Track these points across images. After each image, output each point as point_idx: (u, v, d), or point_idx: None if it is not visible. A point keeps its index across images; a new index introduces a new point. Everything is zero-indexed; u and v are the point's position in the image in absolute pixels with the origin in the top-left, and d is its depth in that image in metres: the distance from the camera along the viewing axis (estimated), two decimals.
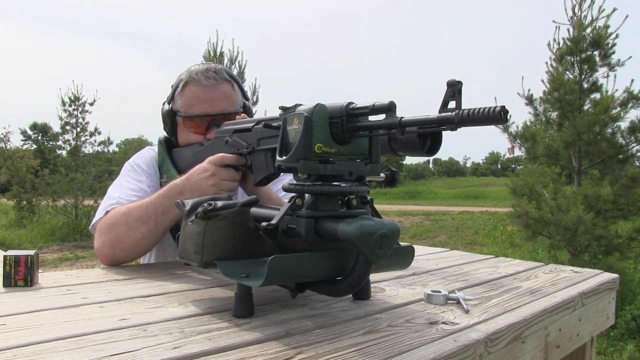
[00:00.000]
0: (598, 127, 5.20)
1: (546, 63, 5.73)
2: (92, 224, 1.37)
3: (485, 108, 0.67)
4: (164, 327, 0.77)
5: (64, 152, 12.12)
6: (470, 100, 0.70)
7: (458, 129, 0.71)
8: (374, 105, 0.79)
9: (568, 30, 5.61)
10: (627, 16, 5.36)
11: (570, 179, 5.97)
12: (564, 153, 5.53)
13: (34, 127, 43.23)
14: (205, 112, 1.42)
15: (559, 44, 5.66)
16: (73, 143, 11.66)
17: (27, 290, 0.99)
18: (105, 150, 12.84)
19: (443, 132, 0.89)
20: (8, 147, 14.81)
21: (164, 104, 1.51)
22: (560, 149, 5.45)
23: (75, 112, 11.59)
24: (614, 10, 5.39)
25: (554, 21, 5.64)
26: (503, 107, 0.65)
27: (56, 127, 12.10)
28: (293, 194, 0.86)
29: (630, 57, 5.47)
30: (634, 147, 5.33)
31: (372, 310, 0.91)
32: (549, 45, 5.74)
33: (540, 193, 5.57)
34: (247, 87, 7.72)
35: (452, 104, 0.70)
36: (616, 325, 4.38)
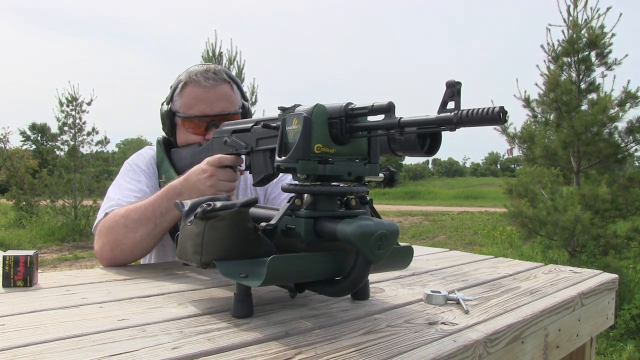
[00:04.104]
0: (596, 128, 5.21)
1: (537, 66, 5.74)
2: (93, 225, 1.37)
3: (484, 108, 0.67)
4: (163, 327, 0.77)
5: (62, 153, 12.11)
6: (465, 103, 0.70)
7: (457, 130, 0.71)
8: (373, 105, 0.79)
9: (563, 31, 5.63)
10: (620, 14, 5.37)
11: (567, 180, 5.98)
12: (562, 153, 5.54)
13: (33, 127, 43.20)
14: (205, 112, 1.42)
15: (553, 45, 5.67)
16: (71, 143, 11.65)
17: (26, 290, 0.99)
18: (104, 150, 12.84)
19: (442, 133, 0.89)
20: (7, 147, 14.80)
21: (162, 104, 1.50)
22: (559, 149, 5.45)
23: (72, 113, 11.57)
24: (608, 9, 5.40)
25: (550, 24, 5.65)
26: (502, 108, 0.66)
27: (54, 128, 12.10)
28: (292, 194, 0.86)
29: (627, 55, 5.48)
30: (632, 147, 5.34)
31: (372, 310, 0.91)
32: (542, 47, 5.75)
33: (536, 192, 5.58)
34: (246, 87, 7.73)
35: (451, 105, 0.70)
36: (615, 325, 4.38)
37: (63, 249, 9.45)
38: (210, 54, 7.79)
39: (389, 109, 0.78)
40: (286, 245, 0.86)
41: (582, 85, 5.54)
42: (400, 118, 0.76)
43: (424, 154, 0.93)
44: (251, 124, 1.15)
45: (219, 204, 0.82)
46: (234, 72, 7.07)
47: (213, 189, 1.19)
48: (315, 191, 0.83)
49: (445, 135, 0.84)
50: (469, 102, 0.70)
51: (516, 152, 6.08)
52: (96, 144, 12.09)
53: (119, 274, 1.19)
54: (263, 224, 0.84)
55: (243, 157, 1.22)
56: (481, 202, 21.20)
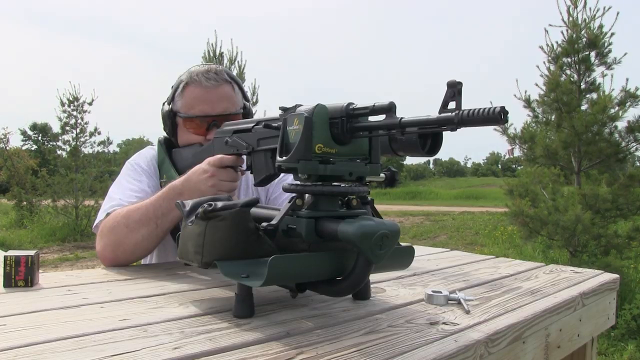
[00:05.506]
0: (596, 127, 5.21)
1: (537, 66, 5.74)
2: (94, 225, 1.38)
3: (485, 108, 0.67)
4: (164, 327, 0.77)
5: (63, 153, 12.12)
6: (466, 103, 0.70)
7: (458, 129, 0.71)
8: (374, 105, 0.79)
9: (563, 32, 5.63)
10: (618, 13, 5.37)
11: (568, 180, 5.98)
12: (563, 153, 5.54)
13: (34, 127, 43.25)
14: (206, 112, 1.42)
15: (552, 46, 5.67)
16: (73, 143, 11.65)
17: (27, 290, 0.99)
18: (105, 150, 12.85)
19: (443, 133, 0.89)
20: (7, 147, 14.82)
21: (163, 104, 1.51)
22: (559, 149, 5.45)
23: (74, 113, 11.58)
24: (607, 9, 5.40)
25: (550, 24, 5.65)
26: (503, 108, 0.66)
27: (56, 128, 12.10)
28: (293, 195, 0.86)
29: (626, 53, 5.49)
30: (633, 146, 5.34)
31: (373, 310, 0.91)
32: (541, 48, 5.75)
33: (537, 192, 5.58)
34: (246, 87, 7.73)
35: (452, 105, 0.70)
36: (616, 325, 4.38)
37: (64, 249, 9.46)
38: (211, 55, 7.80)
39: (390, 109, 0.78)
40: (287, 246, 0.86)
41: (582, 85, 5.54)
42: (402, 118, 0.76)
43: (425, 154, 0.93)
44: (252, 124, 1.15)
45: (220, 204, 0.82)
46: (234, 73, 7.05)
47: (214, 189, 1.19)
48: (317, 191, 0.83)
49: (446, 135, 0.84)
50: (469, 102, 0.70)
51: (517, 153, 6.08)
52: (99, 145, 12.11)
53: (120, 274, 1.19)
54: (264, 224, 0.84)
55: (244, 157, 1.22)
56: (482, 202, 21.17)
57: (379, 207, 0.98)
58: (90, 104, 11.63)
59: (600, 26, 5.42)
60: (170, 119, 1.47)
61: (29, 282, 1.01)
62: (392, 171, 1.25)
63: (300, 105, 0.87)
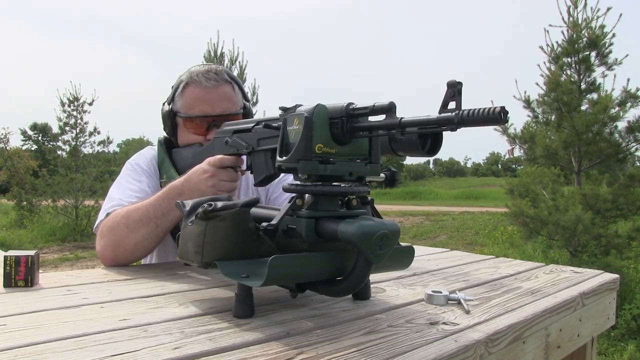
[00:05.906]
0: (597, 127, 5.21)
1: (538, 65, 5.74)
2: (95, 225, 1.38)
3: (485, 109, 0.67)
4: (164, 327, 0.77)
5: (63, 153, 12.11)
6: (465, 103, 0.70)
7: (458, 129, 0.71)
8: (374, 105, 0.79)
9: (563, 32, 5.63)
10: (620, 15, 5.37)
11: (568, 180, 5.98)
12: (563, 153, 5.54)
13: (34, 127, 43.24)
14: (206, 113, 1.42)
15: (552, 46, 5.67)
16: (73, 143, 11.64)
17: (27, 290, 0.99)
18: (105, 150, 12.84)
19: (443, 133, 0.89)
20: (8, 147, 14.83)
21: (164, 104, 1.51)
22: (560, 149, 5.45)
23: (74, 113, 11.57)
24: (609, 9, 5.40)
25: (550, 24, 5.65)
26: (503, 108, 0.66)
27: (56, 128, 12.09)
28: (293, 195, 0.86)
29: (627, 55, 5.49)
30: (633, 146, 5.34)
31: (373, 310, 0.91)
32: (541, 48, 5.75)
33: (537, 192, 5.58)
34: (247, 87, 7.72)
35: (452, 105, 0.70)
36: (616, 325, 4.38)
37: (64, 249, 9.46)
38: (212, 55, 7.80)
39: (390, 109, 0.78)
40: (287, 246, 0.86)
41: (583, 85, 5.55)
42: (401, 118, 0.76)
43: (425, 154, 0.93)
44: (252, 124, 1.15)
45: (220, 204, 0.82)
46: (235, 73, 7.06)
47: (214, 189, 1.19)
48: (317, 191, 0.83)
49: (446, 135, 0.84)
50: (469, 102, 0.70)
51: (517, 153, 6.09)
52: (99, 144, 12.10)
53: (120, 274, 1.19)
54: (264, 224, 0.84)
55: (244, 157, 1.22)
56: (482, 202, 21.16)
57: (379, 207, 0.98)
58: (90, 104, 11.62)
59: (602, 26, 5.43)
60: (170, 119, 1.47)
61: (29, 282, 1.01)
62: (392, 171, 1.25)
63: (300, 105, 0.87)
